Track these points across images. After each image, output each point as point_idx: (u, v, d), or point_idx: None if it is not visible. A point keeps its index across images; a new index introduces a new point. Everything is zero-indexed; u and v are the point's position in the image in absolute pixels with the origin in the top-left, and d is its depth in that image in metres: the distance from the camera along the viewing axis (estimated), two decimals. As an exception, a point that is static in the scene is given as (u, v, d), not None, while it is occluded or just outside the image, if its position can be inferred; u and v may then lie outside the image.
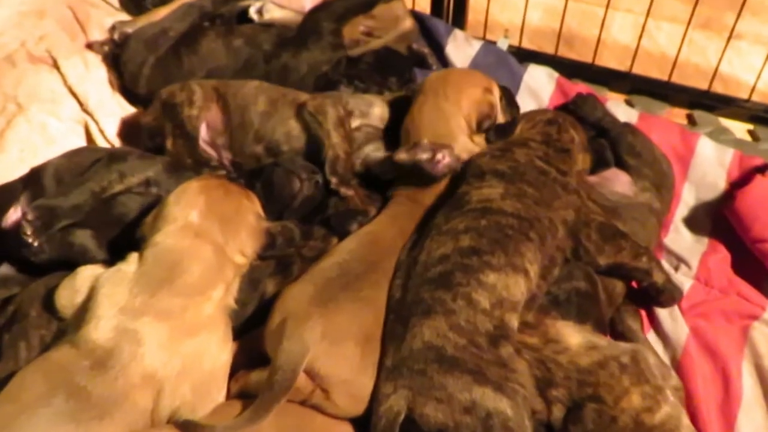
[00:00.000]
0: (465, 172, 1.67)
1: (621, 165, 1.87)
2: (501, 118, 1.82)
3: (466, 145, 1.75)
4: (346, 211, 1.73)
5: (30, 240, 1.54)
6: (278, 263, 1.63)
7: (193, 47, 2.08)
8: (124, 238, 1.62)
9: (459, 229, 1.51)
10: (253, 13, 2.18)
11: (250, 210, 1.57)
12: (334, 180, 1.77)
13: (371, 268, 1.53)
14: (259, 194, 1.66)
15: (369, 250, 1.58)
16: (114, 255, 1.61)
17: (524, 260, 1.48)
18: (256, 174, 1.74)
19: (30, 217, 1.55)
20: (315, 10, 2.14)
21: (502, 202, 1.54)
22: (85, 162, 1.76)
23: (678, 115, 2.31)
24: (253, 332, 1.50)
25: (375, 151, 1.85)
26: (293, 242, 1.63)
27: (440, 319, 1.38)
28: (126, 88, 2.17)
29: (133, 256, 1.46)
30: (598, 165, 1.91)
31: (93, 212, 1.65)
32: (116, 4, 2.43)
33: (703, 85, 2.32)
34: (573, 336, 1.45)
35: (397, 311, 1.46)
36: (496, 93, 1.83)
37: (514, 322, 1.43)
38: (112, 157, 1.71)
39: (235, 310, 1.50)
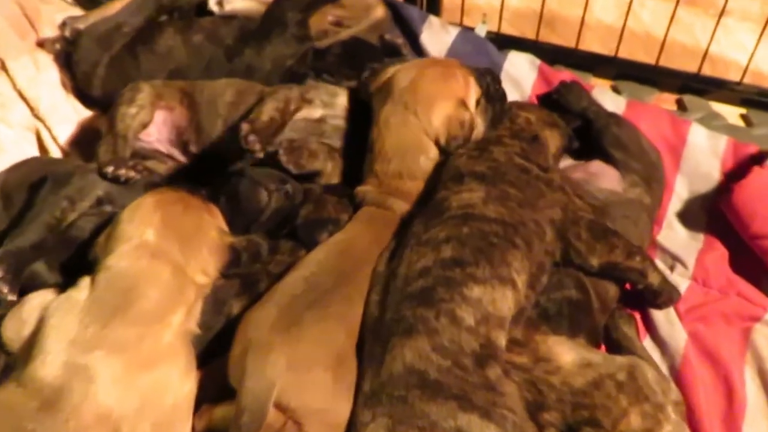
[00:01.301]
0: (441, 175, 1.55)
1: (607, 158, 1.76)
2: (480, 123, 1.69)
3: (438, 155, 1.63)
4: (315, 220, 1.61)
5: (10, 297, 1.44)
6: (244, 282, 1.51)
7: (150, 45, 1.94)
8: (77, 260, 1.50)
9: (440, 239, 1.39)
10: (213, 4, 2.03)
11: (212, 225, 1.45)
12: (245, 127, 1.60)
13: (342, 280, 1.42)
14: (223, 208, 1.54)
15: (340, 260, 1.46)
16: (68, 278, 1.48)
17: (511, 270, 1.36)
18: (220, 186, 1.61)
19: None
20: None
21: (484, 207, 1.43)
22: (33, 175, 1.65)
23: (667, 100, 2.20)
24: (218, 360, 1.38)
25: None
26: (260, 258, 1.51)
27: (422, 339, 1.27)
28: (80, 89, 2.02)
29: (85, 281, 1.35)
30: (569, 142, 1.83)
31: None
32: (69, -2, 2.28)
33: (690, 66, 2.20)
34: (565, 353, 1.35)
35: (375, 330, 1.35)
36: (473, 99, 1.68)
37: (501, 339, 1.31)
38: (55, 180, 1.59)
39: (199, 336, 1.39)
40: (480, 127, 1.68)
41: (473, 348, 1.27)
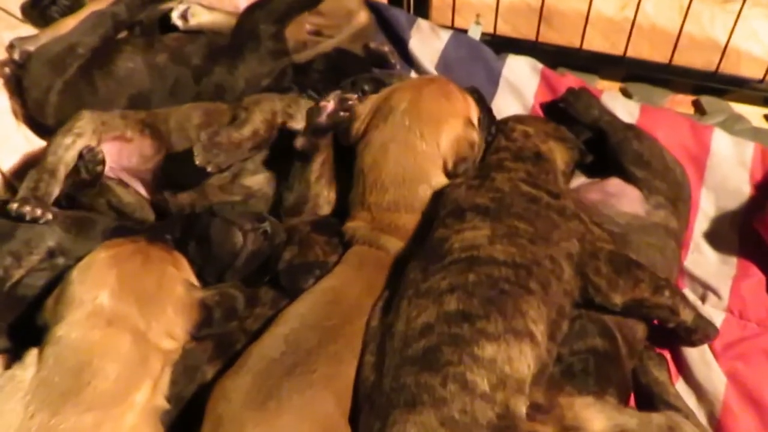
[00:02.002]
0: (438, 209, 1.36)
1: (626, 176, 1.56)
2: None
3: (441, 182, 1.44)
4: (300, 265, 1.41)
5: None
6: (218, 343, 1.31)
7: (108, 68, 1.73)
8: (29, 321, 1.29)
9: (442, 288, 1.20)
10: (176, 18, 1.82)
11: (177, 279, 1.27)
12: (204, 136, 1.46)
13: (329, 336, 1.23)
14: (193, 254, 1.36)
15: (325, 312, 1.27)
16: (19, 343, 1.34)
17: (527, 320, 1.17)
18: (187, 229, 1.41)
19: None
20: (251, 10, 1.79)
21: (491, 247, 1.24)
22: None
23: (682, 102, 2.00)
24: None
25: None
26: (235, 313, 1.31)
27: (428, 412, 1.08)
28: (33, 118, 1.81)
29: (32, 355, 1.17)
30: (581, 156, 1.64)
31: None
32: (18, 14, 2.05)
33: (699, 59, 2.00)
34: (596, 419, 1.15)
35: (372, 401, 1.16)
36: (475, 117, 1.51)
37: (521, 407, 1.12)
38: None
39: (169, 410, 1.21)
40: (480, 149, 1.49)
41: (489, 418, 1.08)
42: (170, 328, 1.22)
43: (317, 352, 1.20)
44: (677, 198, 1.54)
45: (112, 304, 1.17)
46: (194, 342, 1.27)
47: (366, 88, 1.64)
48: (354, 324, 1.27)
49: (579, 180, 1.63)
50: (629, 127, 1.65)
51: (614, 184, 1.56)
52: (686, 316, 1.38)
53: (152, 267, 1.24)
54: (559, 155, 1.56)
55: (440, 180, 1.44)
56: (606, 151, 1.63)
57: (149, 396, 1.17)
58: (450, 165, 1.44)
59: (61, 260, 1.40)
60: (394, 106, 1.47)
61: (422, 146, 1.43)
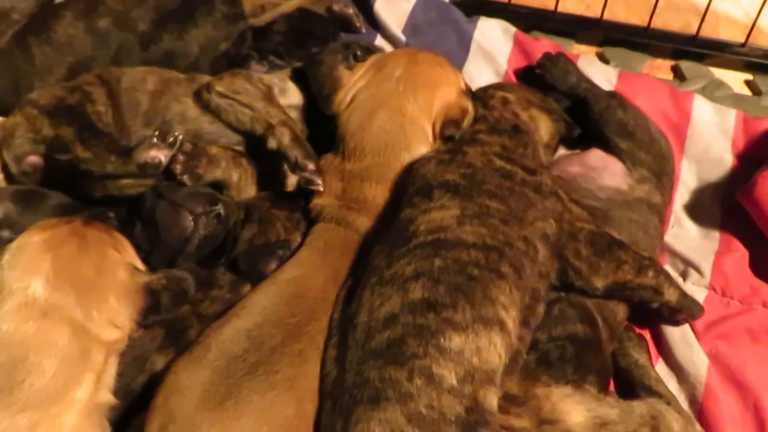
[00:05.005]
0: (407, 185, 1.26)
1: (607, 148, 1.47)
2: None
3: (423, 152, 1.36)
4: (260, 248, 1.31)
5: None
6: (169, 330, 1.21)
7: (46, 35, 1.58)
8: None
9: (407, 275, 1.11)
10: (121, -21, 1.68)
11: (119, 263, 1.17)
12: (310, 165, 1.35)
13: (293, 334, 1.14)
14: (140, 238, 1.25)
15: (289, 308, 1.18)
16: None
17: (497, 308, 1.09)
18: (134, 210, 1.30)
19: None
20: (203, -30, 1.66)
21: (459, 229, 1.15)
22: None
23: (661, 67, 1.91)
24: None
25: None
26: (185, 297, 1.20)
27: (393, 408, 1.00)
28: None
29: (-39, 352, 1.06)
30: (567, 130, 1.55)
31: None
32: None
33: (677, 23, 1.91)
34: (574, 411, 1.08)
35: (335, 397, 1.08)
36: (466, 89, 1.45)
37: (491, 399, 1.04)
38: None
39: (117, 406, 1.12)
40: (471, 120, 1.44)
41: (457, 413, 1.00)
42: (113, 317, 1.12)
43: (281, 351, 1.12)
44: (661, 171, 1.45)
45: (46, 293, 1.07)
46: (142, 330, 1.17)
47: (358, 54, 1.53)
48: (320, 320, 1.18)
49: (558, 151, 1.54)
50: (612, 95, 1.55)
51: (595, 156, 1.47)
52: (671, 296, 1.31)
53: (90, 250, 1.14)
54: (543, 126, 1.47)
55: (422, 150, 1.36)
56: (587, 120, 1.53)
57: (92, 392, 1.07)
58: (438, 127, 1.37)
59: (6, 233, 1.30)
60: (388, 72, 1.40)
61: (413, 110, 1.36)
